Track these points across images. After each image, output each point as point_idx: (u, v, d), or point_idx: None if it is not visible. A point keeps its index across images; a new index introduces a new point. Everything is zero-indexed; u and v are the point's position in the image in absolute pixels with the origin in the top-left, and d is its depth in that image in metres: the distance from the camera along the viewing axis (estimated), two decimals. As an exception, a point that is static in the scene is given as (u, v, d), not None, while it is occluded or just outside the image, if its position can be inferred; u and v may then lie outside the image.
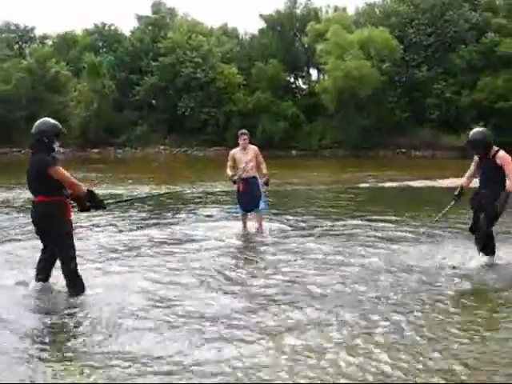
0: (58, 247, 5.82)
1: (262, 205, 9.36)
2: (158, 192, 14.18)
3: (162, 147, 46.05)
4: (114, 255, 7.80)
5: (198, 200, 14.44)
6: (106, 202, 6.29)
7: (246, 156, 9.22)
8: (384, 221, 10.46)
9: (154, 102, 49.96)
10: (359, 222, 10.36)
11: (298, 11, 50.09)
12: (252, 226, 9.60)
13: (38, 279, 5.97)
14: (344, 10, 48.92)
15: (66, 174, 5.66)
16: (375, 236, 9.05)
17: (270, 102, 45.05)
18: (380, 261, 7.32)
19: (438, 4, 43.57)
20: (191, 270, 6.91)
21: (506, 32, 40.90)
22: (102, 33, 55.81)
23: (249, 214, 9.55)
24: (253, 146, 9.44)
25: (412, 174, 22.03)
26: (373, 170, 24.68)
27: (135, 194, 14.99)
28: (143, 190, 16.51)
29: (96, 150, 41.62)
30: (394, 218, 10.82)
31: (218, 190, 16.65)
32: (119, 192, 15.16)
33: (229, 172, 9.27)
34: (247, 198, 9.25)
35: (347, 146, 40.79)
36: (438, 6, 43.54)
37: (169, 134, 47.24)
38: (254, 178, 9.32)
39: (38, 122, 5.81)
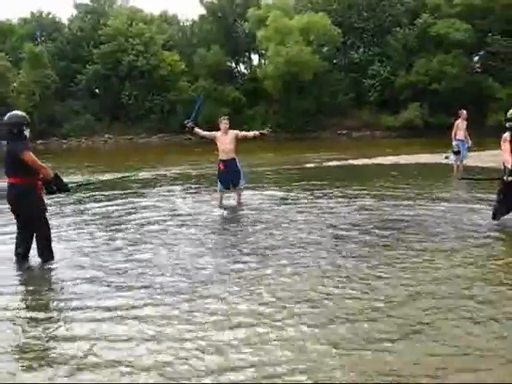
0: (32, 222, 6.68)
1: (241, 181, 10.61)
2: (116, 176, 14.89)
3: (106, 136, 45.97)
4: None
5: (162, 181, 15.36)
6: (69, 185, 7.14)
7: (226, 139, 10.40)
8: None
9: (96, 90, 49.63)
10: (305, 194, 11.61)
11: (238, -3, 50.61)
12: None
13: (16, 253, 6.75)
14: (283, -5, 49.62)
15: (36, 159, 6.45)
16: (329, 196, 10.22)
17: (213, 89, 45.51)
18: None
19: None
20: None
21: (441, 12, 42.41)
22: (40, 21, 54.84)
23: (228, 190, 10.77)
24: (232, 130, 10.54)
25: (352, 154, 23.22)
26: (316, 152, 25.82)
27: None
28: (106, 177, 17.17)
29: (40, 141, 41.21)
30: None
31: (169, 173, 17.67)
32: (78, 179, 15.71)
33: (200, 130, 10.59)
34: (227, 177, 10.50)
35: (290, 130, 41.91)
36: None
37: (113, 123, 47.14)
38: (233, 159, 10.49)
39: (8, 114, 6.60)
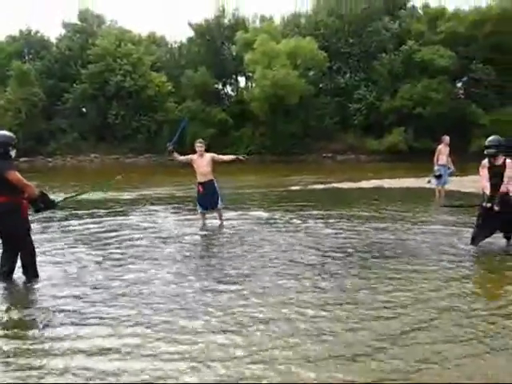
0: (17, 241, 6.74)
1: (219, 202, 10.78)
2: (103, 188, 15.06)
3: (93, 155, 45.93)
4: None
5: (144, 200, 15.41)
6: (56, 201, 7.18)
7: (202, 161, 10.57)
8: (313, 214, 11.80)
9: (83, 109, 49.66)
10: (289, 216, 11.77)
11: (226, 20, 51.12)
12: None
13: (1, 271, 6.78)
14: (271, 19, 50.29)
15: (21, 177, 6.53)
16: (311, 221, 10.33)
17: (200, 111, 45.70)
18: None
19: (362, 15, 45.71)
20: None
21: (426, 39, 42.97)
22: (28, 39, 54.87)
23: (207, 212, 10.96)
24: (208, 153, 10.72)
25: (337, 177, 23.45)
26: (301, 174, 26.01)
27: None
28: (91, 196, 17.24)
29: (25, 159, 41.02)
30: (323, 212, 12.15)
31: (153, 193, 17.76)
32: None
33: (178, 155, 10.66)
34: (206, 199, 10.69)
35: (276, 152, 42.17)
36: (362, 18, 45.69)
37: (99, 142, 47.15)
38: (211, 180, 10.69)
39: None
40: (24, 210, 6.72)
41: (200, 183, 10.67)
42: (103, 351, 4.61)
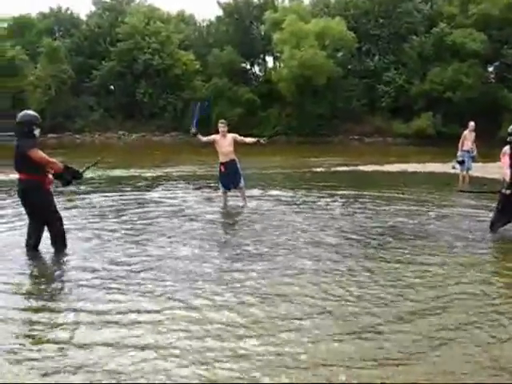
0: (45, 216, 7.00)
1: (242, 182, 10.86)
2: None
3: (120, 132, 46.38)
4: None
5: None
6: (81, 171, 7.33)
7: (225, 141, 10.66)
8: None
9: (111, 87, 50.04)
10: (310, 198, 11.83)
11: (255, 0, 50.93)
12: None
13: (27, 243, 7.04)
14: (300, -1, 49.95)
15: (44, 155, 6.73)
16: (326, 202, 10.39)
17: (227, 89, 45.79)
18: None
19: (393, -4, 45.10)
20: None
21: (457, 22, 42.18)
22: (58, 16, 55.36)
23: (229, 191, 11.03)
24: (230, 134, 10.81)
25: (363, 160, 23.35)
26: (327, 156, 25.96)
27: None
28: (116, 173, 17.61)
29: (53, 135, 41.59)
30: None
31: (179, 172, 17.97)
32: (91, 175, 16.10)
33: (201, 136, 10.64)
34: (228, 179, 10.80)
35: (303, 133, 42.06)
36: (392, -1, 45.09)
37: (127, 120, 47.55)
38: (233, 160, 10.78)
39: (21, 113, 6.93)
40: (47, 185, 6.94)
41: (222, 163, 10.76)
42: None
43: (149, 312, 5.06)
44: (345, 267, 6.55)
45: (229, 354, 4.22)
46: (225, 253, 7.28)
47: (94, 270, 6.31)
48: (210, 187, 13.48)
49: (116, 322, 4.81)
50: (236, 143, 10.81)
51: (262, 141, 11.02)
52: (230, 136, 10.76)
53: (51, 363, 4.04)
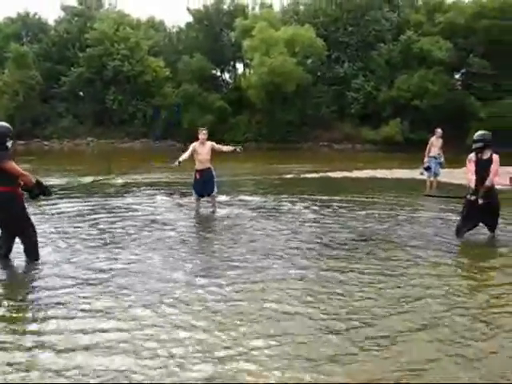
0: (19, 227, 6.94)
1: (215, 190, 11.02)
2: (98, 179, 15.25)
3: (89, 139, 45.98)
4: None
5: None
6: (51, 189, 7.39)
7: (203, 149, 10.76)
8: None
9: (81, 93, 49.61)
10: (280, 203, 11.94)
11: (226, 6, 51.06)
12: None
13: None
14: (270, 6, 50.27)
15: (17, 167, 6.71)
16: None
17: (197, 95, 45.76)
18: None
19: (361, 4, 45.66)
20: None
21: (424, 30, 42.92)
22: (26, 21, 54.75)
23: (201, 198, 11.16)
24: (209, 142, 10.90)
25: (331, 166, 23.56)
26: (297, 163, 26.13)
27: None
28: (83, 180, 17.44)
29: (21, 142, 41.00)
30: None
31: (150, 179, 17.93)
32: (59, 182, 15.96)
33: (183, 156, 10.59)
34: (202, 186, 10.92)
35: (272, 140, 42.28)
36: (361, 7, 45.66)
37: (96, 126, 47.17)
38: (209, 168, 10.92)
39: None
40: (21, 197, 6.92)
41: (198, 170, 10.86)
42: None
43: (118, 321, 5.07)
44: (313, 273, 6.65)
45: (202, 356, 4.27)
46: (196, 259, 7.33)
47: (67, 277, 6.30)
48: (182, 193, 13.50)
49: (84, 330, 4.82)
50: (213, 151, 10.92)
51: (238, 149, 11.13)
52: (209, 144, 10.87)
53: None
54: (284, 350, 4.45)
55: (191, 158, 10.80)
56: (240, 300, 5.60)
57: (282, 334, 4.74)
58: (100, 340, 4.58)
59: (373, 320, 5.11)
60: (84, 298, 5.64)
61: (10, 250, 7.05)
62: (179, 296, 5.70)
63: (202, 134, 10.83)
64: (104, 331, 4.78)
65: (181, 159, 10.50)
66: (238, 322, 5.01)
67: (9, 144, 6.78)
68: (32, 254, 7.00)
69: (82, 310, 5.28)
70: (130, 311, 5.27)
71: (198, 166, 10.85)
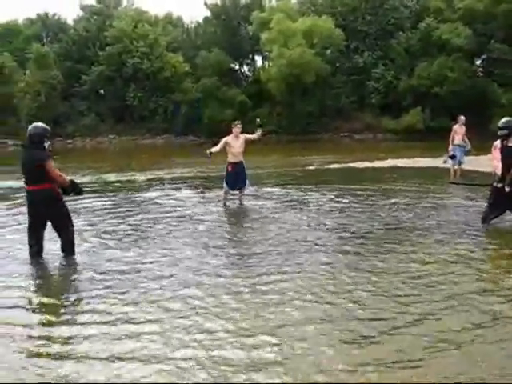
0: (62, 222, 7.23)
1: (247, 185, 11.22)
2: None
3: (111, 136, 46.38)
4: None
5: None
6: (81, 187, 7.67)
7: (237, 142, 10.85)
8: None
9: (101, 91, 49.99)
10: (304, 196, 12.01)
11: (243, 0, 51.03)
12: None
13: (32, 252, 7.22)
14: (287, -2, 50.06)
15: (56, 170, 7.02)
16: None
17: (217, 90, 45.87)
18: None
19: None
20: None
21: (444, 16, 42.36)
22: (46, 22, 55.32)
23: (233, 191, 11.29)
24: (243, 134, 11.01)
25: (353, 156, 23.56)
26: (318, 154, 26.16)
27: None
28: (107, 177, 17.77)
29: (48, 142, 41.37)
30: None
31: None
32: (86, 180, 16.25)
33: (214, 148, 10.70)
34: (235, 179, 10.99)
35: (293, 131, 42.25)
36: (379, -5, 45.38)
37: (117, 123, 47.53)
38: (242, 162, 11.00)
39: (31, 126, 7.18)
40: (60, 194, 7.21)
41: (231, 163, 10.95)
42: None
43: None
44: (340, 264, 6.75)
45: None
46: (226, 252, 7.48)
47: (103, 272, 6.52)
48: (208, 188, 13.66)
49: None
50: (247, 144, 11.04)
51: (258, 121, 11.75)
52: (243, 137, 10.97)
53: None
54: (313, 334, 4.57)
55: (223, 151, 10.87)
56: (268, 291, 5.73)
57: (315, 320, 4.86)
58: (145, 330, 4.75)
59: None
60: (119, 293, 5.83)
61: (42, 247, 7.28)
62: (209, 288, 5.86)
63: (237, 127, 10.92)
64: (143, 322, 4.94)
65: (213, 150, 10.61)
66: (270, 310, 5.13)
67: (46, 144, 7.04)
68: (69, 249, 7.26)
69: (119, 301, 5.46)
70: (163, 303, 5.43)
71: (232, 159, 10.93)
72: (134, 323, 4.95)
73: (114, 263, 6.91)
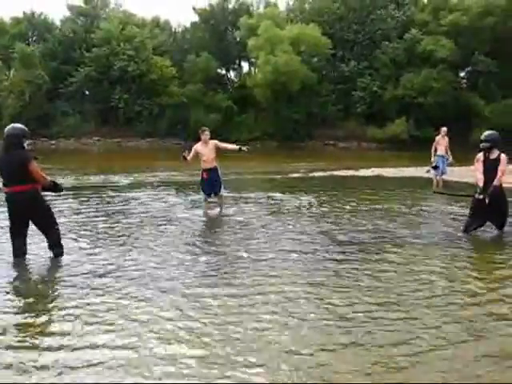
0: (47, 220, 7.23)
1: (222, 188, 11.02)
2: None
3: (95, 138, 46.19)
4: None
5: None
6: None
7: (205, 149, 10.68)
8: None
9: (87, 92, 49.77)
10: (288, 203, 12.10)
11: (231, 5, 51.23)
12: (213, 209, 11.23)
13: (17, 254, 7.19)
14: (275, 5, 50.38)
15: (39, 171, 6.99)
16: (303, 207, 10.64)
17: (203, 95, 45.99)
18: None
19: (366, 3, 45.73)
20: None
21: (430, 28, 42.93)
22: (32, 21, 54.94)
23: (210, 197, 11.09)
24: (212, 141, 10.81)
25: (338, 164, 23.68)
26: (303, 161, 26.25)
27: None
28: (90, 179, 17.71)
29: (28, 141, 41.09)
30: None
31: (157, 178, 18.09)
32: (68, 181, 16.15)
33: (188, 155, 10.55)
34: (210, 186, 10.86)
35: (278, 138, 42.41)
36: (367, 5, 45.73)
37: (102, 125, 47.37)
38: (215, 168, 10.87)
39: (8, 127, 7.09)
40: (41, 194, 7.22)
41: (205, 170, 10.81)
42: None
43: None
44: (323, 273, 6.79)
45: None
46: (206, 258, 7.46)
47: (88, 272, 6.51)
48: (192, 192, 13.62)
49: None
50: (218, 150, 10.86)
51: (244, 148, 10.88)
52: (212, 143, 10.76)
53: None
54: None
55: (197, 158, 10.77)
56: (249, 294, 5.75)
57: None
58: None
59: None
60: (100, 295, 5.80)
61: (25, 250, 7.25)
62: (195, 292, 5.85)
63: (204, 134, 10.71)
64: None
65: (186, 156, 10.50)
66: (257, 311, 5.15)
67: (25, 144, 6.98)
68: (56, 247, 7.28)
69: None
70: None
71: (205, 166, 10.78)
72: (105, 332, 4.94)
73: (93, 266, 6.87)
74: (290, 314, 5.20)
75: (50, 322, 5.11)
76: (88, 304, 5.45)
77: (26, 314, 5.26)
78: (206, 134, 10.73)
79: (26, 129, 7.15)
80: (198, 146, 10.73)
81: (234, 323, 4.97)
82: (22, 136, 6.98)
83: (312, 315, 5.19)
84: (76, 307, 5.38)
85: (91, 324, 4.95)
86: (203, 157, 10.71)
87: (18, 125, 7.20)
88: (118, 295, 5.73)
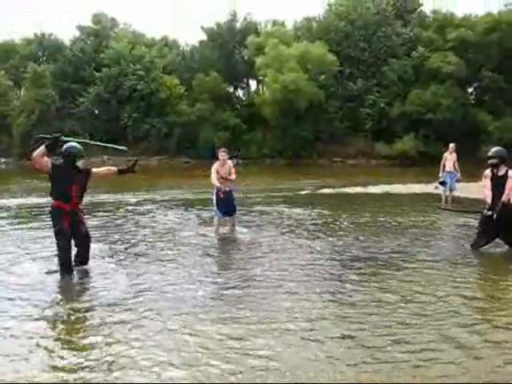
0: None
1: (236, 211, 11.05)
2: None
3: (105, 157, 46.41)
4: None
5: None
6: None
7: (224, 169, 10.70)
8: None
9: (96, 111, 50.12)
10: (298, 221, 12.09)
11: (238, 24, 51.66)
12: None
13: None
14: (282, 24, 50.73)
15: None
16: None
17: (211, 113, 46.24)
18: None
19: (372, 21, 46.04)
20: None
21: (436, 46, 43.19)
22: (42, 42, 55.60)
23: (225, 218, 11.05)
24: (229, 161, 10.92)
25: (346, 182, 23.74)
26: (311, 178, 26.33)
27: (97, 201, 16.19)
28: (103, 197, 17.83)
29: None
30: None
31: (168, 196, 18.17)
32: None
33: (216, 182, 10.43)
34: (225, 206, 10.77)
35: (286, 155, 42.57)
36: (372, 23, 46.05)
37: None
38: (231, 189, 10.91)
39: (67, 145, 7.78)
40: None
41: (221, 189, 10.62)
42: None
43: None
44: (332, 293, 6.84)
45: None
46: (217, 277, 7.54)
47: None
48: (204, 211, 13.70)
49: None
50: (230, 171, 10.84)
51: (237, 161, 11.01)
52: (229, 164, 10.80)
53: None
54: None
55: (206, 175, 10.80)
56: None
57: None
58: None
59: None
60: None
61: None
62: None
63: (221, 154, 10.70)
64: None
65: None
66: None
67: (79, 164, 7.63)
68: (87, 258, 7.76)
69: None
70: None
71: (221, 185, 10.58)
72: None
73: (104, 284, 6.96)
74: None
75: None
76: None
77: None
78: (223, 155, 10.72)
79: (82, 149, 7.81)
80: (217, 166, 10.67)
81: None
82: (77, 156, 7.66)
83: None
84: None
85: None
86: (221, 177, 10.63)
87: (73, 144, 7.80)
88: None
